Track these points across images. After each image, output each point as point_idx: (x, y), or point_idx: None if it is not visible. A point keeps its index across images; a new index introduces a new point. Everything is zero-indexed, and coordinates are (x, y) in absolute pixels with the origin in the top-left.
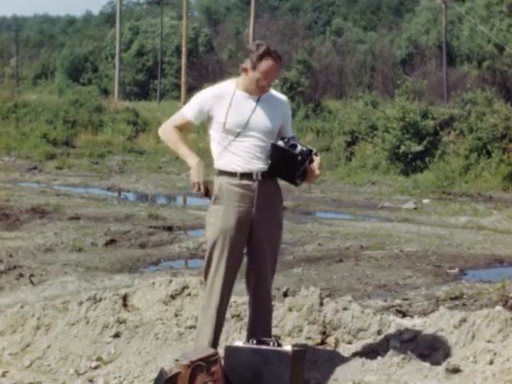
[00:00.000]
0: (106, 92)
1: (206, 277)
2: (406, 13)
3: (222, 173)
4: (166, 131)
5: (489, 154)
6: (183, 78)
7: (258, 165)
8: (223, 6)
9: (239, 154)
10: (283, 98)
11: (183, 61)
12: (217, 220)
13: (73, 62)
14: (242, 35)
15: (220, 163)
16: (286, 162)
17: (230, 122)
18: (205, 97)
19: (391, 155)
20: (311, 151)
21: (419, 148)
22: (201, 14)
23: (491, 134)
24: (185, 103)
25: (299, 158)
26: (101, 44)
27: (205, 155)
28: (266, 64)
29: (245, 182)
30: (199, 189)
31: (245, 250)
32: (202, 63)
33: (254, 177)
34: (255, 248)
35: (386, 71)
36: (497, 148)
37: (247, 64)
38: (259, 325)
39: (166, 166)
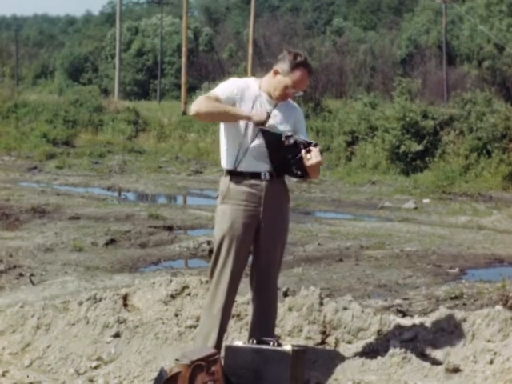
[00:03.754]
0: (106, 92)
1: (211, 275)
2: (406, 12)
3: (230, 172)
4: (202, 102)
5: (489, 153)
6: (183, 78)
7: (266, 165)
8: (223, 5)
9: (249, 157)
10: (296, 104)
11: (183, 61)
12: (224, 219)
13: (73, 61)
14: (242, 35)
15: (228, 164)
16: (276, 147)
17: (254, 122)
18: (233, 84)
19: (391, 155)
20: (310, 143)
21: (419, 148)
22: (201, 14)
23: (491, 133)
24: (185, 103)
25: (286, 140)
26: (101, 44)
27: (205, 155)
28: (300, 74)
29: (253, 181)
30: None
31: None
32: (202, 63)
33: (262, 177)
34: (261, 247)
35: (386, 71)
36: (497, 148)
37: (280, 67)
38: (261, 323)
39: (166, 166)
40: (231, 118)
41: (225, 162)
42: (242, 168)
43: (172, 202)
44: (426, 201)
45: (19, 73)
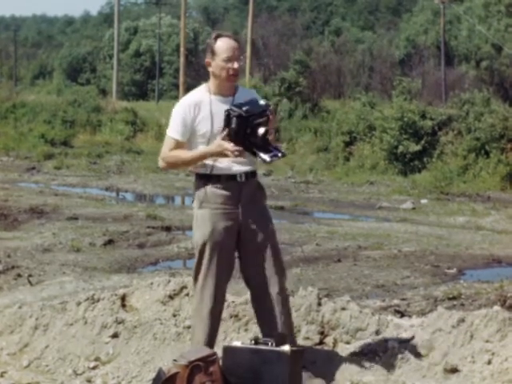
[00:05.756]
0: (104, 92)
1: (195, 280)
2: (405, 13)
3: (205, 177)
4: (166, 158)
5: (487, 154)
6: (181, 78)
7: (241, 167)
8: (221, 6)
9: (222, 160)
10: (252, 91)
11: (181, 61)
12: (205, 224)
13: (71, 62)
14: (241, 35)
15: (203, 169)
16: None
17: (215, 130)
18: (183, 110)
19: (389, 155)
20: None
21: (417, 148)
22: (199, 14)
23: (489, 134)
24: None
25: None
26: (99, 44)
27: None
28: (222, 42)
29: (229, 184)
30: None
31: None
32: (200, 63)
33: (238, 179)
34: (247, 249)
35: (385, 71)
36: (495, 148)
37: (207, 58)
38: (265, 324)
39: None
40: (196, 161)
41: (199, 169)
42: (217, 171)
43: (170, 202)
44: (423, 201)
45: (17, 73)
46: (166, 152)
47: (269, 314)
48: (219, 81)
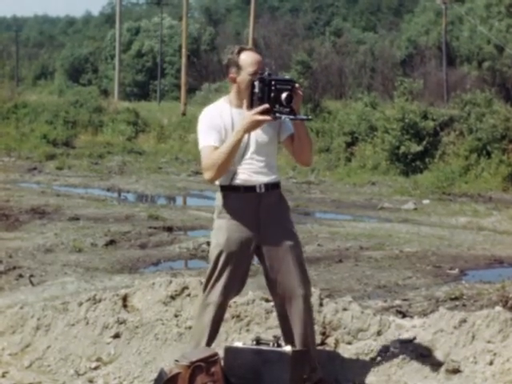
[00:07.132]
0: (105, 93)
1: (205, 286)
2: (406, 13)
3: (225, 187)
4: (209, 163)
5: (489, 154)
6: (183, 79)
7: (261, 178)
8: (223, 6)
9: (242, 171)
10: None
11: (183, 61)
12: (221, 233)
13: (73, 62)
14: (243, 36)
15: (223, 180)
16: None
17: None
18: (210, 118)
19: (391, 156)
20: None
21: (419, 149)
22: (201, 15)
23: (491, 134)
24: (185, 104)
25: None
26: (101, 45)
27: None
28: (246, 56)
29: (247, 195)
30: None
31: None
32: (202, 64)
33: (257, 190)
34: (268, 260)
35: (386, 72)
36: (497, 149)
37: (231, 72)
38: (288, 333)
39: (165, 167)
40: (236, 147)
41: (219, 180)
42: (236, 182)
43: (172, 202)
44: (425, 202)
45: (19, 73)
46: (206, 158)
47: (292, 323)
48: (242, 96)
